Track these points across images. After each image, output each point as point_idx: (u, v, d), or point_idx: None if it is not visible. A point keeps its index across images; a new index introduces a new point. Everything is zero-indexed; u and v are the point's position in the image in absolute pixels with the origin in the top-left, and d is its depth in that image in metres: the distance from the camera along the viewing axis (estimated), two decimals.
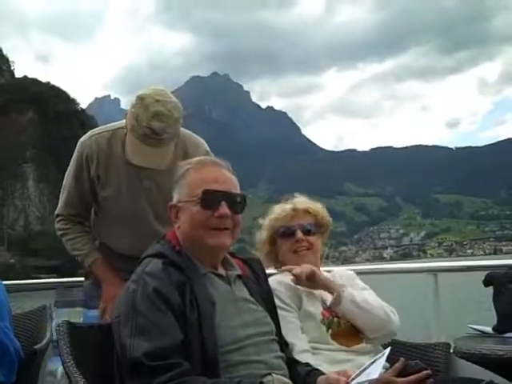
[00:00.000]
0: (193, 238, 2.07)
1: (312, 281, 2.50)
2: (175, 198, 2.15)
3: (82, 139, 2.86)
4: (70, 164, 2.91)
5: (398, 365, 2.05)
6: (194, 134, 2.96)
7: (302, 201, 2.77)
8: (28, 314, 3.60)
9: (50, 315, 3.55)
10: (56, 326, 2.14)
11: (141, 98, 2.57)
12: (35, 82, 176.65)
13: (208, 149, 2.94)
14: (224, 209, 2.04)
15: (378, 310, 2.49)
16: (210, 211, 2.04)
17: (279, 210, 2.76)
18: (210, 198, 2.05)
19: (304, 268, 2.50)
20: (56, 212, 2.99)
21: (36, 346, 3.17)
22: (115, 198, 2.82)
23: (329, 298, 2.53)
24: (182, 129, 2.80)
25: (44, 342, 3.30)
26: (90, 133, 2.88)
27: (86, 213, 2.99)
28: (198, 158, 2.24)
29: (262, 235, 2.80)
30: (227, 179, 2.13)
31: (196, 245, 2.07)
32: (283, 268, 2.59)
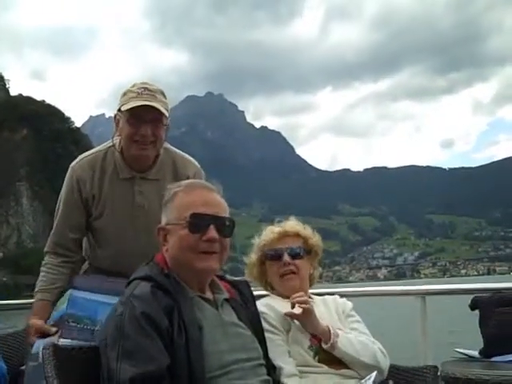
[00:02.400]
0: (181, 261, 2.05)
1: (304, 325, 2.46)
2: (163, 220, 2.13)
3: (73, 164, 2.86)
4: (62, 190, 2.90)
5: None
6: (185, 154, 2.97)
7: (292, 224, 2.75)
8: (15, 334, 3.58)
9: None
10: (42, 348, 2.10)
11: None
12: (30, 100, 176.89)
13: (198, 168, 2.94)
14: (212, 232, 2.03)
15: (368, 358, 2.45)
16: (199, 234, 2.03)
17: (269, 232, 2.75)
18: (198, 222, 2.04)
19: (299, 315, 2.44)
20: (44, 250, 2.96)
21: (22, 367, 3.07)
22: (109, 216, 2.80)
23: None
24: (172, 147, 2.89)
25: (30, 362, 3.32)
26: (80, 156, 2.89)
27: (74, 246, 2.93)
28: (187, 181, 2.23)
29: (251, 257, 2.79)
30: (216, 203, 2.11)
31: (184, 268, 2.05)
32: (285, 313, 2.49)
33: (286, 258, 2.64)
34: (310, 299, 2.62)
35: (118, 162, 2.78)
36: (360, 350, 2.45)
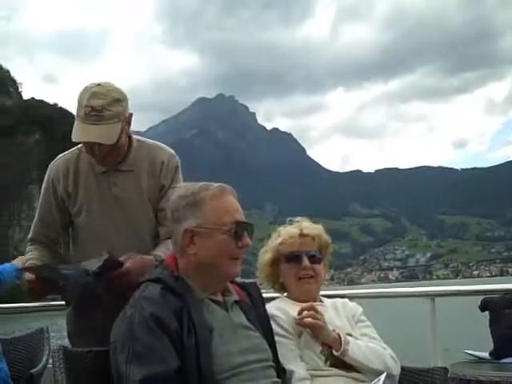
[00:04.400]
0: (213, 265, 2.06)
1: (315, 334, 2.43)
2: (190, 222, 2.08)
3: (50, 164, 2.90)
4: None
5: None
6: (158, 142, 2.96)
7: (308, 226, 2.73)
8: (24, 338, 3.59)
9: (47, 338, 3.57)
10: (52, 351, 2.14)
11: (84, 87, 2.64)
12: (42, 103, 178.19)
13: (171, 153, 2.91)
14: (247, 240, 2.08)
15: (378, 364, 2.43)
16: (235, 241, 2.06)
17: (286, 234, 2.72)
18: (239, 229, 2.07)
19: (310, 321, 2.41)
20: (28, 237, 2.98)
21: (32, 371, 3.17)
22: (88, 212, 2.79)
23: (332, 326, 2.47)
24: (145, 139, 2.91)
25: (40, 366, 3.30)
26: (58, 156, 2.91)
27: (55, 236, 2.95)
28: (216, 185, 2.17)
29: (264, 257, 2.76)
30: (240, 209, 2.16)
31: (212, 272, 2.06)
32: (296, 322, 2.45)
33: (306, 261, 2.63)
34: (320, 303, 2.63)
35: (91, 159, 2.77)
36: (370, 357, 2.43)
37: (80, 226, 2.84)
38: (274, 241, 2.74)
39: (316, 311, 2.42)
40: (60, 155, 2.91)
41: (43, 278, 2.62)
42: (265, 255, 2.76)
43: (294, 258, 2.66)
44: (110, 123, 2.57)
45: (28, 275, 2.66)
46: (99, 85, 2.62)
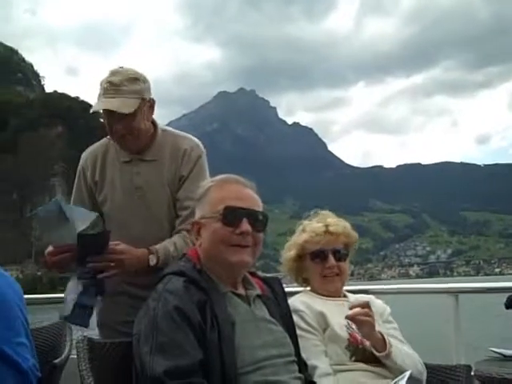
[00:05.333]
0: (214, 254, 2.07)
1: (364, 331, 2.38)
2: (197, 215, 2.16)
3: (83, 153, 2.99)
4: None
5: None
6: (183, 133, 2.97)
7: (333, 222, 2.71)
8: (47, 328, 3.62)
9: (70, 328, 3.59)
10: (76, 341, 2.14)
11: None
12: (65, 96, 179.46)
13: (196, 143, 2.91)
14: (245, 225, 2.05)
15: (412, 369, 2.34)
16: (232, 228, 2.04)
17: (311, 230, 2.70)
18: (231, 215, 2.05)
19: (364, 318, 2.34)
20: None
21: (55, 361, 3.16)
22: (111, 201, 2.84)
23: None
24: (170, 129, 2.94)
25: (63, 356, 3.32)
26: (89, 147, 3.00)
27: None
28: (221, 176, 2.22)
29: (289, 253, 2.75)
30: (250, 197, 2.13)
31: (217, 262, 2.07)
32: (346, 315, 2.37)
33: (332, 259, 2.63)
34: (344, 299, 2.65)
35: (117, 147, 2.84)
36: (408, 362, 2.42)
37: (106, 215, 2.86)
38: (299, 237, 2.73)
39: (370, 309, 2.37)
40: (91, 146, 2.99)
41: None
42: (289, 251, 2.74)
43: (319, 255, 2.65)
44: (128, 97, 2.63)
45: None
46: (121, 67, 2.74)
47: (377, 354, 2.36)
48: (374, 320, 2.35)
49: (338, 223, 2.72)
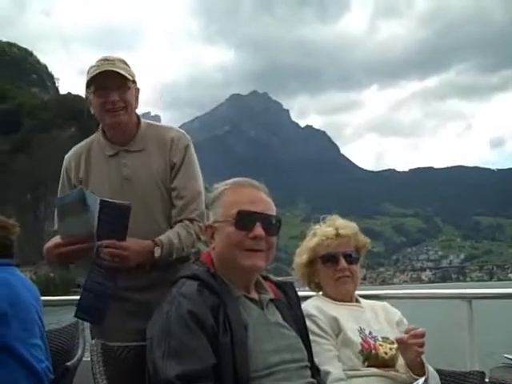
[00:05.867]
0: (227, 258, 2.06)
1: (410, 358, 2.32)
2: (210, 218, 2.14)
3: (66, 155, 2.96)
4: None
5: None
6: (173, 126, 2.97)
7: (343, 225, 2.70)
8: (60, 330, 3.63)
9: (82, 331, 3.59)
10: (89, 345, 2.15)
11: None
12: (78, 98, 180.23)
13: (182, 133, 2.88)
14: (259, 230, 2.03)
15: None
16: (245, 232, 2.03)
17: (321, 234, 2.69)
18: (244, 219, 2.04)
19: (417, 349, 2.29)
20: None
21: (68, 363, 3.18)
22: (99, 195, 2.65)
23: (369, 328, 2.49)
24: (154, 122, 2.93)
25: (75, 358, 3.32)
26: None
27: None
28: (234, 179, 2.20)
29: (301, 258, 2.73)
30: (263, 201, 2.11)
31: (230, 266, 2.06)
32: (396, 338, 2.36)
33: (343, 262, 2.61)
34: (357, 304, 2.64)
35: (102, 142, 2.81)
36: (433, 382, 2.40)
37: None
38: (310, 242, 2.72)
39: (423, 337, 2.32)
40: (74, 147, 2.94)
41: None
42: (301, 257, 2.73)
43: (330, 258, 2.64)
44: (123, 68, 2.68)
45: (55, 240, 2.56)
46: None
47: (413, 375, 2.31)
48: (423, 351, 2.31)
49: (347, 226, 2.71)
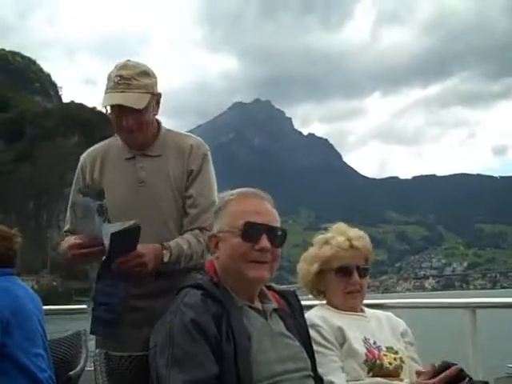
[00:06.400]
0: (231, 269, 2.06)
1: None
2: (215, 227, 2.14)
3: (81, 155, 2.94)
4: None
5: (427, 369, 2.18)
6: (192, 134, 2.94)
7: (356, 236, 2.67)
8: (63, 340, 3.63)
9: (85, 341, 3.59)
10: (93, 354, 2.15)
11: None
12: (81, 107, 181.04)
13: (200, 141, 2.87)
14: (265, 242, 2.03)
15: None
16: (251, 244, 2.03)
17: (336, 245, 2.64)
18: (251, 231, 2.03)
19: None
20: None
21: (71, 373, 3.20)
22: (112, 197, 2.66)
23: (373, 338, 2.49)
24: (174, 130, 2.89)
25: (78, 368, 3.32)
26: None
27: None
28: (240, 190, 2.19)
29: (312, 266, 2.68)
30: (268, 212, 2.12)
31: (234, 276, 2.06)
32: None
33: (356, 276, 2.60)
34: (362, 313, 2.63)
35: (119, 145, 2.78)
36: None
37: None
38: (322, 251, 2.67)
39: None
40: (91, 147, 2.92)
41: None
42: (311, 265, 2.69)
43: (344, 271, 2.61)
44: (139, 92, 2.59)
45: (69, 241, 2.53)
46: (129, 60, 2.68)
47: None
48: None
49: (360, 236, 2.69)
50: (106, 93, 2.62)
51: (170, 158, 2.74)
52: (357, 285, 2.60)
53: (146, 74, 2.66)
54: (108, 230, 2.26)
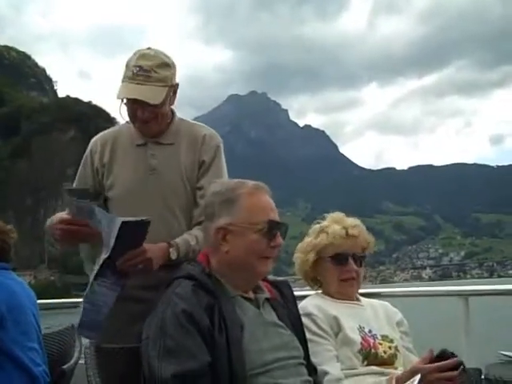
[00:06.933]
0: (243, 263, 2.06)
1: None
2: (224, 219, 2.08)
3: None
4: None
5: (425, 355, 2.19)
6: (205, 125, 2.87)
7: (353, 224, 2.67)
8: (57, 333, 3.64)
9: (79, 335, 3.60)
10: (84, 347, 2.14)
11: (134, 51, 2.61)
12: (77, 101, 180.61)
13: (212, 131, 2.82)
14: (279, 239, 2.09)
15: None
16: (268, 241, 2.06)
17: (332, 233, 2.64)
18: (272, 229, 2.07)
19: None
20: None
21: (64, 366, 3.21)
22: (122, 183, 2.69)
23: (369, 326, 2.48)
24: (187, 119, 2.84)
25: (72, 361, 3.33)
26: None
27: None
28: (252, 183, 2.16)
29: (308, 255, 2.67)
30: (275, 208, 2.15)
31: (243, 270, 2.07)
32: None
33: (352, 264, 2.59)
34: (357, 302, 2.63)
35: (131, 131, 2.72)
36: None
37: (113, 199, 2.71)
38: (318, 239, 2.67)
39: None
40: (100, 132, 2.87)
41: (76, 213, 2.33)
42: (307, 254, 2.68)
43: (339, 259, 2.61)
44: (157, 86, 2.53)
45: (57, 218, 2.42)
46: (149, 48, 2.61)
47: None
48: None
49: (356, 225, 2.68)
50: (122, 81, 2.55)
51: (183, 146, 2.69)
52: (352, 272, 2.59)
53: (167, 65, 2.58)
54: (118, 219, 2.13)
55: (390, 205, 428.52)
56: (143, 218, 2.15)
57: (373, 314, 2.59)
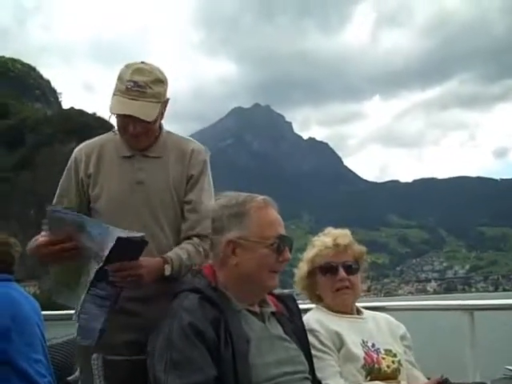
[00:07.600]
0: (253, 277, 2.07)
1: None
2: (234, 232, 2.09)
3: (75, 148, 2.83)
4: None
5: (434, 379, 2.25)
6: (193, 139, 2.84)
7: (342, 234, 2.68)
8: (61, 345, 3.64)
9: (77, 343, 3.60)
10: (92, 359, 2.12)
11: (125, 64, 2.56)
12: (81, 113, 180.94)
13: (199, 145, 2.79)
14: (288, 254, 2.10)
15: None
16: (277, 255, 2.08)
17: (320, 244, 2.67)
18: (281, 244, 2.08)
19: None
20: None
21: (69, 378, 3.21)
22: (107, 195, 2.63)
23: (372, 340, 2.49)
24: (174, 133, 2.80)
25: (77, 373, 3.33)
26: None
27: None
28: (261, 197, 2.17)
29: (301, 270, 2.71)
30: (282, 222, 2.17)
31: (252, 284, 2.09)
32: None
33: (342, 273, 2.58)
34: (359, 315, 2.62)
35: (118, 142, 2.68)
36: None
37: (99, 211, 2.64)
38: (309, 252, 2.69)
39: None
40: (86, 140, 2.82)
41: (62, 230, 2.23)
42: (301, 268, 2.71)
43: (329, 269, 2.61)
44: (151, 102, 2.50)
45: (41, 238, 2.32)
46: (143, 62, 2.57)
47: None
48: None
49: (343, 235, 2.68)
50: (115, 94, 2.50)
51: (171, 160, 2.67)
52: (345, 281, 2.57)
53: (161, 81, 2.56)
54: (114, 232, 2.09)
55: (394, 218, 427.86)
56: (139, 237, 2.11)
57: (375, 326, 2.58)
